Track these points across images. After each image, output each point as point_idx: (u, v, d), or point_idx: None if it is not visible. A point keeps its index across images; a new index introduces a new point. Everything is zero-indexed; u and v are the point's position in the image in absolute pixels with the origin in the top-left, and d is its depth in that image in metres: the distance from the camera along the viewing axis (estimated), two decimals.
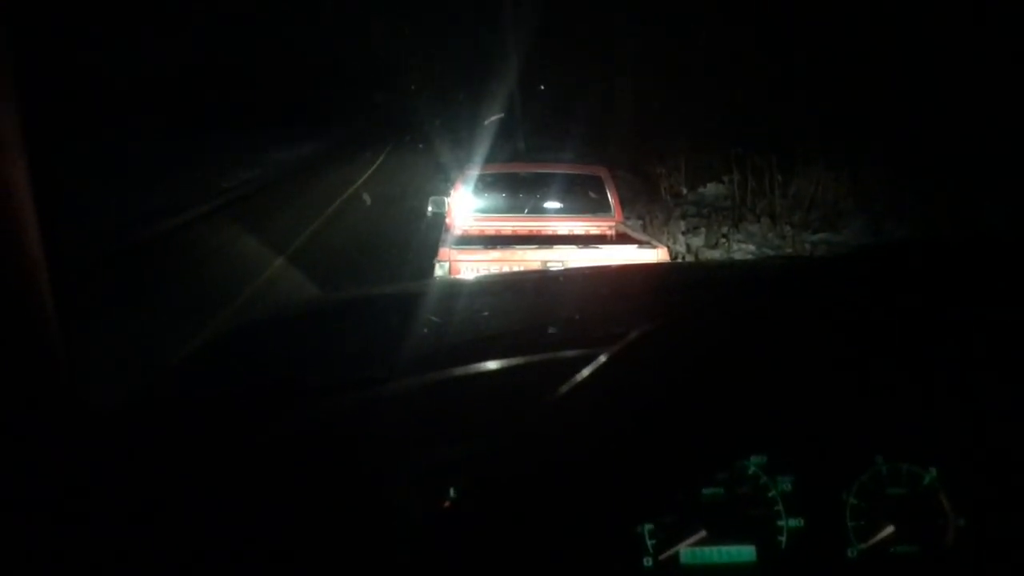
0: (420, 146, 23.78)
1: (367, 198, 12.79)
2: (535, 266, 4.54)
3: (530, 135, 19.09)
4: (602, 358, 0.64)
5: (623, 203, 6.66)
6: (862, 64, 11.60)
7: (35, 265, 0.60)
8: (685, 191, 12.18)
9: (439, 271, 4.59)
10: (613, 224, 6.10)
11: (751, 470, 0.91)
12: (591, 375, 0.63)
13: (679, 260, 7.69)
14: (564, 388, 0.63)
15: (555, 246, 4.85)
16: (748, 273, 1.73)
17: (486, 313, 1.65)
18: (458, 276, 4.42)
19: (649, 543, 0.88)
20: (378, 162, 20.59)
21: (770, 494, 0.90)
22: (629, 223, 6.84)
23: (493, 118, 16.94)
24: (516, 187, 6.52)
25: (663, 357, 0.65)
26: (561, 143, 17.47)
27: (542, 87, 21.39)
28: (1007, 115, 8.46)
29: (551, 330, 1.18)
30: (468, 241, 5.45)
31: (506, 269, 4.52)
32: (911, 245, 0.76)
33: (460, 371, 0.94)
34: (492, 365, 0.93)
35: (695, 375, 0.66)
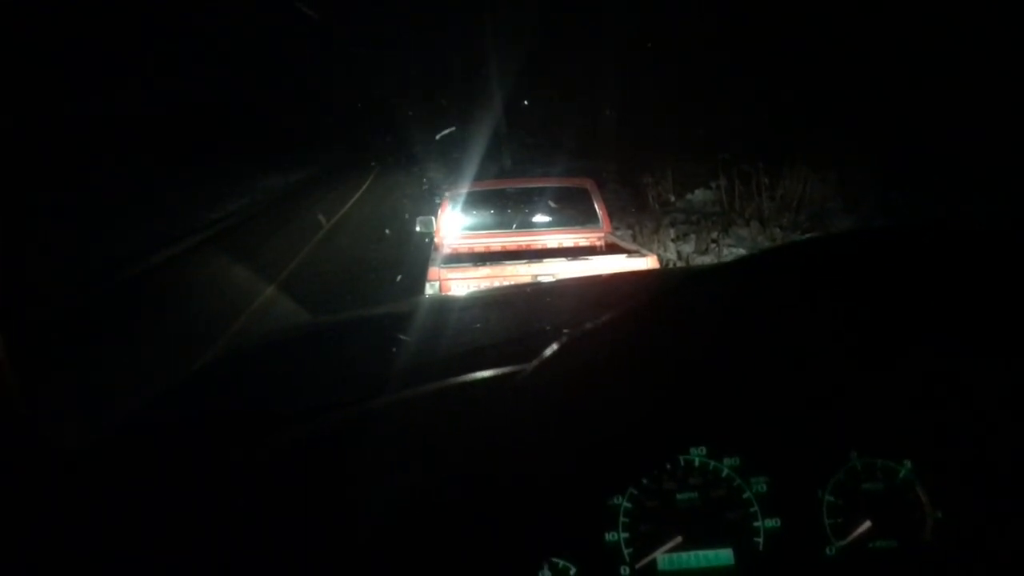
0: (391, 159, 24.53)
1: (322, 219, 13.48)
2: (525, 281, 4.54)
3: (516, 151, 19.17)
4: (547, 353, 0.63)
5: (612, 214, 6.68)
6: (846, 63, 11.70)
7: None
8: (673, 199, 12.22)
9: (430, 290, 4.59)
10: (602, 235, 6.11)
11: (725, 472, 0.91)
12: (532, 375, 0.63)
13: (669, 267, 7.70)
14: (513, 390, 0.63)
15: (545, 260, 4.85)
16: (719, 272, 1.74)
17: (477, 326, 1.65)
18: (447, 294, 4.42)
19: (626, 551, 0.87)
20: (365, 184, 20.73)
21: (745, 495, 0.90)
22: (618, 233, 6.86)
23: (444, 132, 17.22)
24: (503, 203, 6.54)
25: (616, 354, 0.65)
26: (548, 157, 17.56)
27: (526, 102, 21.49)
28: (998, 110, 8.51)
29: (533, 340, 1.18)
30: (457, 259, 5.45)
31: (496, 285, 4.52)
32: (879, 235, 0.75)
33: (435, 387, 0.93)
34: (470, 378, 0.93)
35: (653, 372, 0.65)
